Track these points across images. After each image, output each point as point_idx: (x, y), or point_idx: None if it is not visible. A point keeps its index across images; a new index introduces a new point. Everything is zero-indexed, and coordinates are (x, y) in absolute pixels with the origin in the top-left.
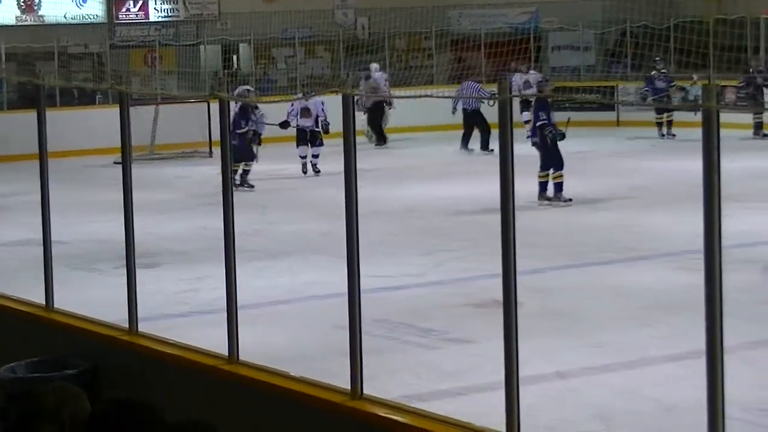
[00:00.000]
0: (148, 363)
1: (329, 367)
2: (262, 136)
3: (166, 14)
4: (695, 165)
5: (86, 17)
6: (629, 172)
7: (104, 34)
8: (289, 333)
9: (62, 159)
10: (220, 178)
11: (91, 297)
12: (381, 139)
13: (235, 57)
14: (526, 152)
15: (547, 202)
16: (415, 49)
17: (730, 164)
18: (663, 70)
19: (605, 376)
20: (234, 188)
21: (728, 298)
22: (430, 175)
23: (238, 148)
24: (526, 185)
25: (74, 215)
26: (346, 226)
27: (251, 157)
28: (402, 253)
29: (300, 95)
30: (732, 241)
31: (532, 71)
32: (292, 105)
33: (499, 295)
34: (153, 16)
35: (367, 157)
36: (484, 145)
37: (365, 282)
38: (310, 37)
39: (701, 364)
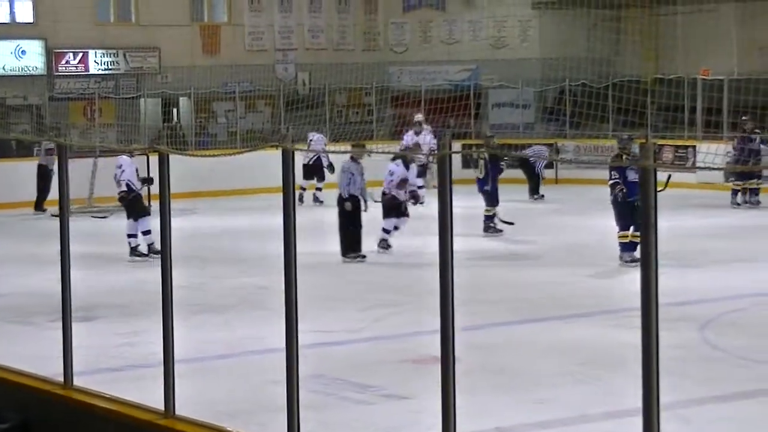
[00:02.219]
0: (82, 417)
1: (266, 421)
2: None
3: (106, 67)
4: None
5: (25, 69)
6: (570, 229)
7: (44, 86)
8: (226, 387)
9: None
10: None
11: (26, 350)
12: None
13: (175, 110)
14: (465, 208)
15: (631, 262)
16: (356, 105)
17: (666, 222)
18: (757, 130)
19: None
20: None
21: (665, 356)
22: (371, 230)
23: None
24: (466, 240)
25: (10, 267)
26: (284, 280)
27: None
28: (341, 308)
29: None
30: (669, 298)
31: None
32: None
33: (437, 350)
34: (93, 69)
35: (308, 211)
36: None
37: (303, 337)
38: (250, 91)
39: (639, 422)
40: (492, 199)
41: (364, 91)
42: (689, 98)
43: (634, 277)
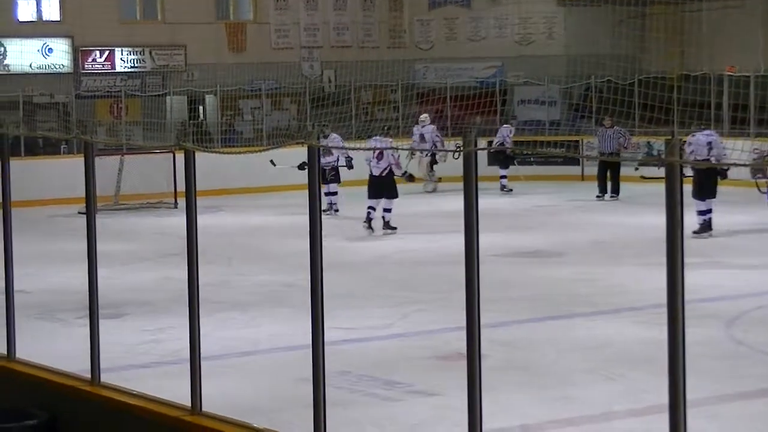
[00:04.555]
0: (109, 414)
1: (292, 419)
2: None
3: (132, 65)
4: (660, 220)
5: (52, 67)
6: (594, 226)
7: (70, 84)
8: (252, 385)
9: (26, 209)
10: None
11: (53, 347)
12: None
13: (201, 108)
14: (491, 206)
15: None
16: (381, 102)
17: (692, 219)
18: None
19: (569, 430)
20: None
21: (691, 352)
22: (397, 226)
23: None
24: (491, 237)
25: (37, 265)
26: (310, 278)
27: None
28: (367, 305)
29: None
30: (695, 295)
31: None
32: None
33: (463, 347)
34: (119, 67)
35: (341, 206)
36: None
37: (329, 334)
38: (276, 88)
39: (664, 419)
40: None
41: (389, 89)
42: (715, 94)
43: (659, 273)
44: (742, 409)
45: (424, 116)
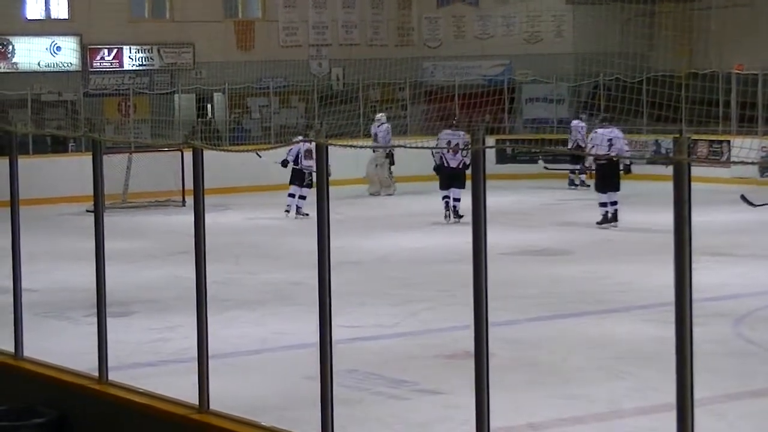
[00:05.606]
0: (117, 412)
1: (300, 417)
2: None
3: (140, 63)
4: (668, 218)
5: (60, 65)
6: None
7: (78, 82)
8: (259, 383)
9: (34, 207)
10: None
11: (61, 345)
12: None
13: (209, 106)
14: (497, 204)
15: None
16: (390, 100)
17: (700, 218)
18: None
19: (577, 428)
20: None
21: (699, 351)
22: (404, 225)
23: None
24: (499, 235)
25: (45, 263)
26: (318, 276)
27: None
28: (374, 303)
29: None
30: (703, 294)
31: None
32: (292, 147)
33: (470, 346)
34: (127, 65)
35: (339, 206)
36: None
37: (337, 332)
38: (284, 86)
39: (672, 417)
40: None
41: (397, 87)
42: (724, 93)
43: (667, 272)
44: (750, 407)
45: (380, 115)
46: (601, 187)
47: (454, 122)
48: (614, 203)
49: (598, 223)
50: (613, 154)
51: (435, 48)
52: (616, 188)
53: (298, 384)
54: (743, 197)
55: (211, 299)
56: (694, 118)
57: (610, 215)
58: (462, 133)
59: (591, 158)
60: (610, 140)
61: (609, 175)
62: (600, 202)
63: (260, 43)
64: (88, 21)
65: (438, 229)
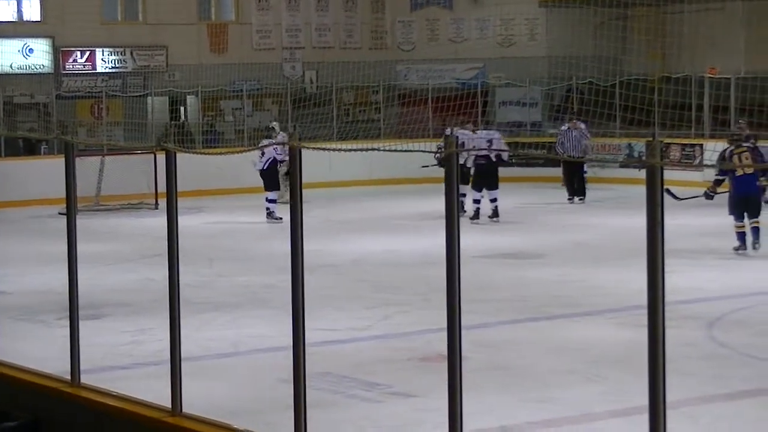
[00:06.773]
0: (90, 415)
1: (273, 420)
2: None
3: (113, 65)
4: (640, 222)
5: (33, 67)
6: (575, 227)
7: (51, 84)
8: (233, 386)
9: (6, 209)
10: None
11: (34, 348)
12: None
13: (182, 109)
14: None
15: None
16: (363, 103)
17: (673, 221)
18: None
19: (550, 431)
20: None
21: (672, 354)
22: (377, 229)
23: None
24: (472, 238)
25: (17, 266)
26: (291, 279)
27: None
28: (348, 307)
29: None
30: (676, 297)
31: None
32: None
33: (444, 349)
34: (100, 67)
35: (312, 209)
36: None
37: (310, 335)
38: (257, 89)
39: (645, 420)
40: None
41: (371, 90)
42: (696, 96)
43: (640, 275)
44: (723, 410)
45: (274, 123)
46: (476, 185)
47: (463, 122)
48: (494, 200)
49: (471, 218)
50: (491, 154)
51: (409, 51)
52: (496, 186)
53: (271, 387)
54: (668, 191)
55: (184, 302)
56: (666, 121)
57: (491, 211)
58: (468, 131)
59: (471, 158)
60: (490, 141)
61: (488, 174)
62: (474, 199)
63: (234, 46)
64: (61, 23)
65: (411, 232)
